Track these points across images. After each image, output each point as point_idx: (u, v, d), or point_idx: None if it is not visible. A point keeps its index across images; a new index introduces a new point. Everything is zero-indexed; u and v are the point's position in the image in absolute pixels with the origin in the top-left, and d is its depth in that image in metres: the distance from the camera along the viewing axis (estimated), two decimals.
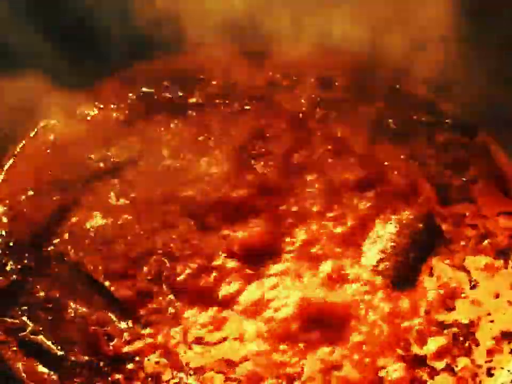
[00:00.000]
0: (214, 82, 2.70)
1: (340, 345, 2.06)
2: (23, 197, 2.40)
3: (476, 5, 2.40)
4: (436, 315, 2.12)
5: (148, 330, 2.10)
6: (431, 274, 2.20)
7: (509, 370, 2.02)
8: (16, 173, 2.48)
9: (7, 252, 2.27)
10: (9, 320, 2.13)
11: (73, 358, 2.05)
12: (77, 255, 2.25)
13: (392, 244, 2.23)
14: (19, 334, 2.10)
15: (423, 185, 2.40)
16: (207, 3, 2.65)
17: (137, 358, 2.05)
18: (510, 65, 2.44)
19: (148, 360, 2.05)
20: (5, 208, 2.37)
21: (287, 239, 2.27)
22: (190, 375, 2.02)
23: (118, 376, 2.02)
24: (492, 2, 2.45)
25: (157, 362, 2.05)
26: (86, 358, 2.05)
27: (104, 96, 2.64)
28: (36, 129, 2.59)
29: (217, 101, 2.64)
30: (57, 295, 2.18)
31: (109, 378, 2.02)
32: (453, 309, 2.14)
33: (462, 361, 2.04)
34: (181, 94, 2.67)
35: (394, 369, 2.02)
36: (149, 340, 2.08)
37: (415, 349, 2.06)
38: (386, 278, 2.17)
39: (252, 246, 2.24)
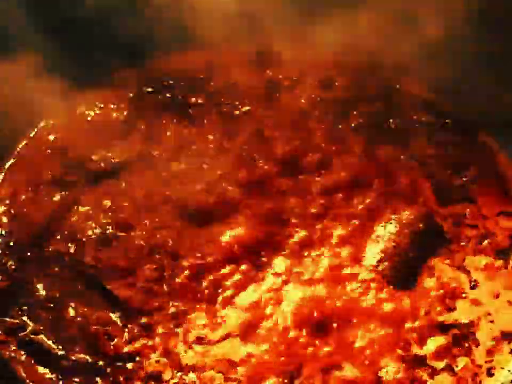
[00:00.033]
0: (214, 83, 2.70)
1: (339, 345, 2.06)
2: (23, 197, 2.40)
3: (477, 6, 2.40)
4: (436, 315, 2.12)
5: (148, 330, 2.10)
6: (431, 275, 2.20)
7: (509, 370, 2.02)
8: (16, 173, 2.48)
9: (7, 252, 2.28)
10: (9, 320, 2.13)
11: (73, 358, 2.06)
12: (77, 255, 2.25)
13: (392, 243, 2.23)
14: (19, 334, 2.11)
15: (423, 185, 2.40)
16: (208, 3, 2.65)
17: (137, 358, 2.05)
18: (510, 65, 2.44)
19: (148, 359, 2.05)
20: (5, 208, 2.37)
21: (287, 239, 2.27)
22: (190, 374, 2.02)
23: (118, 375, 2.02)
24: (492, 3, 2.45)
25: (157, 362, 2.05)
26: (87, 357, 2.05)
27: (104, 96, 2.64)
28: (36, 129, 2.59)
29: (217, 100, 2.64)
30: (57, 295, 2.18)
31: (110, 378, 2.02)
32: (453, 309, 2.14)
33: (462, 361, 2.05)
34: (181, 94, 2.66)
35: (394, 369, 2.02)
36: (149, 340, 2.08)
37: (415, 349, 2.06)
38: (386, 278, 2.18)
39: (252, 245, 2.25)
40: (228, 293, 2.16)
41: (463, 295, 2.17)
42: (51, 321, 2.13)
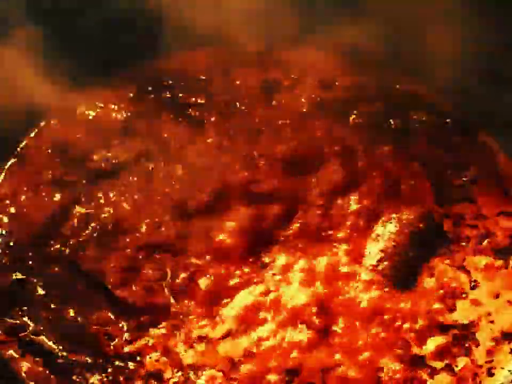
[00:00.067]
0: (214, 83, 2.70)
1: (339, 345, 2.06)
2: (23, 197, 2.40)
3: (477, 6, 2.40)
4: (435, 315, 2.12)
5: (148, 330, 2.10)
6: (431, 274, 2.20)
7: (509, 370, 2.02)
8: (16, 173, 2.48)
9: (7, 252, 2.28)
10: (9, 320, 2.13)
11: (73, 358, 2.06)
12: (77, 255, 2.25)
13: (393, 243, 2.23)
14: (19, 334, 2.11)
15: (423, 185, 2.40)
16: (208, 3, 2.65)
17: (137, 358, 2.05)
18: (510, 65, 2.44)
19: (149, 359, 2.05)
20: (5, 208, 2.37)
21: (287, 239, 2.27)
22: (191, 373, 2.02)
23: (118, 375, 2.02)
24: (493, 3, 2.45)
25: (157, 361, 2.05)
26: (87, 357, 2.05)
27: (104, 96, 2.64)
28: (36, 129, 2.59)
29: (217, 100, 2.64)
30: (57, 295, 2.18)
31: (110, 378, 2.02)
32: (453, 309, 2.14)
33: (462, 361, 2.05)
34: (181, 94, 2.66)
35: (394, 369, 2.02)
36: (149, 339, 2.08)
37: (415, 349, 2.06)
38: (386, 278, 2.18)
39: (252, 245, 2.25)
40: (228, 292, 2.16)
41: (463, 295, 2.17)
42: (51, 321, 2.13)
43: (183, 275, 2.20)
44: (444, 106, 2.62)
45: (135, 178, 2.42)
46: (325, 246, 2.25)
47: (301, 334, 2.07)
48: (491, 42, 2.42)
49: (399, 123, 2.57)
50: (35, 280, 2.21)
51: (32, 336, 2.11)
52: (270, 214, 2.32)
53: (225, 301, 2.15)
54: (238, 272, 2.21)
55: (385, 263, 2.20)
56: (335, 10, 2.62)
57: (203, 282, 2.19)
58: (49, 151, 2.53)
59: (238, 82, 2.69)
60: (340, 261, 2.22)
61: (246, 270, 2.21)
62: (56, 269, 2.23)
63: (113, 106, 2.63)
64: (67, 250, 2.27)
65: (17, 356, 2.07)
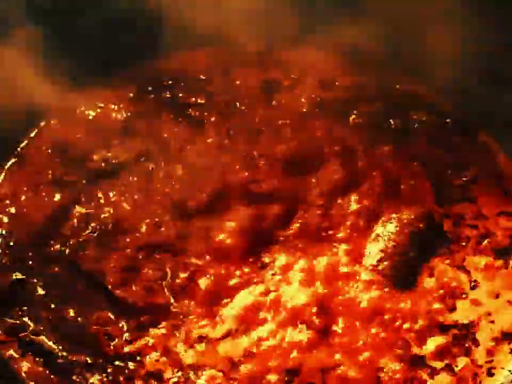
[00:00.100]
0: (214, 83, 2.70)
1: (339, 345, 2.06)
2: (23, 197, 2.40)
3: (477, 7, 2.40)
4: (435, 315, 2.12)
5: (148, 330, 2.10)
6: (431, 274, 2.20)
7: (509, 371, 2.02)
8: (16, 173, 2.48)
9: (7, 252, 2.28)
10: (9, 320, 2.13)
11: (73, 358, 2.06)
12: (77, 255, 2.25)
13: (393, 243, 2.23)
14: (19, 334, 2.10)
15: (423, 185, 2.40)
16: (208, 3, 2.65)
17: (137, 358, 2.05)
18: (510, 65, 2.44)
19: (149, 359, 2.05)
20: (5, 208, 2.37)
21: (287, 239, 2.28)
22: (191, 373, 2.02)
23: (118, 375, 2.02)
24: (493, 3, 2.45)
25: (157, 361, 2.05)
26: (87, 357, 2.05)
27: (104, 96, 2.64)
28: (36, 129, 2.59)
29: (217, 100, 2.64)
30: (57, 295, 2.18)
31: (110, 378, 2.02)
32: (453, 309, 2.14)
33: (462, 361, 2.05)
34: (181, 94, 2.66)
35: (394, 369, 2.02)
36: (150, 339, 2.08)
37: (415, 349, 2.06)
38: (386, 278, 2.18)
39: (252, 245, 2.25)
40: (228, 292, 2.16)
41: (463, 295, 2.17)
42: (51, 321, 2.13)
43: (183, 275, 2.20)
44: (444, 106, 2.62)
45: (135, 178, 2.42)
46: (325, 246, 2.25)
47: (301, 334, 2.07)
48: (491, 42, 2.43)
49: (399, 123, 2.58)
50: (35, 280, 2.21)
51: (32, 336, 2.10)
52: (270, 214, 2.32)
53: (225, 301, 2.15)
54: (238, 272, 2.21)
55: (385, 263, 2.20)
56: (335, 11, 2.62)
57: (203, 282, 2.19)
58: (49, 151, 2.53)
59: (238, 82, 2.69)
60: (340, 261, 2.22)
61: (246, 270, 2.21)
62: (56, 269, 2.23)
63: (113, 106, 2.63)
64: (67, 250, 2.26)
65: (17, 356, 2.07)
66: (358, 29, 2.58)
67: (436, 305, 2.14)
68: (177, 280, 2.19)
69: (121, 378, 2.02)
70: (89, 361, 2.05)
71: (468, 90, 2.49)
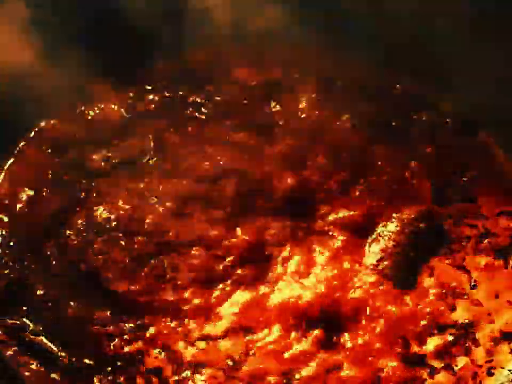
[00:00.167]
0: (214, 82, 2.70)
1: (339, 344, 2.06)
2: (23, 197, 2.40)
3: (477, 7, 2.40)
4: (435, 315, 2.12)
5: (148, 329, 2.10)
6: (431, 274, 2.20)
7: (509, 370, 2.02)
8: (16, 173, 2.48)
9: (7, 252, 2.27)
10: (9, 320, 2.13)
11: (73, 358, 2.06)
12: (77, 255, 2.25)
13: (393, 243, 2.23)
14: (19, 334, 2.10)
15: (423, 185, 2.40)
16: (208, 3, 2.65)
17: (138, 357, 2.05)
18: (511, 65, 2.44)
19: (149, 358, 2.05)
20: (5, 208, 2.37)
21: (287, 238, 2.28)
22: (191, 372, 2.02)
23: (119, 375, 2.02)
24: (494, 4, 2.45)
25: (158, 360, 2.05)
26: (87, 357, 2.05)
27: (105, 95, 2.64)
28: (36, 129, 2.59)
29: (217, 100, 2.64)
30: (57, 295, 2.18)
31: (110, 378, 2.02)
32: (453, 309, 2.14)
33: (462, 361, 2.05)
34: (181, 93, 2.66)
35: (394, 369, 2.02)
36: (150, 339, 2.08)
37: (415, 348, 2.06)
38: (386, 277, 2.18)
39: (253, 244, 2.25)
40: (229, 291, 2.17)
41: (463, 295, 2.17)
42: (51, 321, 2.13)
43: (183, 274, 2.20)
44: (444, 106, 2.62)
45: (135, 178, 2.42)
46: (325, 245, 2.25)
47: (301, 334, 2.07)
48: (491, 42, 2.43)
49: (399, 123, 2.58)
50: (35, 280, 2.21)
51: (32, 336, 2.10)
52: (270, 212, 2.32)
53: (226, 300, 2.15)
54: (240, 271, 2.21)
55: (386, 262, 2.20)
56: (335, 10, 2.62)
57: (205, 282, 2.19)
58: (49, 151, 2.53)
59: (238, 82, 2.69)
60: (340, 260, 2.22)
61: (248, 269, 2.21)
62: (56, 269, 2.23)
63: (113, 106, 2.63)
64: (67, 250, 2.26)
65: (17, 356, 2.07)
66: (358, 29, 2.59)
67: (436, 305, 2.14)
68: (178, 280, 2.19)
69: (122, 378, 2.02)
70: (89, 361, 2.05)
71: (467, 90, 2.49)
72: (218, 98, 2.65)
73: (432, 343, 2.07)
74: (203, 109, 2.62)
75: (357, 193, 2.37)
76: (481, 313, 2.14)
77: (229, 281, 2.19)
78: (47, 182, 2.44)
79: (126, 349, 2.07)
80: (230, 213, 2.32)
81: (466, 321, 2.12)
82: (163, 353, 2.06)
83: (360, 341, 2.06)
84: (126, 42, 2.64)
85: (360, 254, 2.23)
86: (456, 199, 2.39)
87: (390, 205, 2.33)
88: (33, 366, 2.05)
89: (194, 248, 2.26)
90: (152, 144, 2.51)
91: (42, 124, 2.60)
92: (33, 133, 2.58)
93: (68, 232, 2.30)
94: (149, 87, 2.69)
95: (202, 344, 2.08)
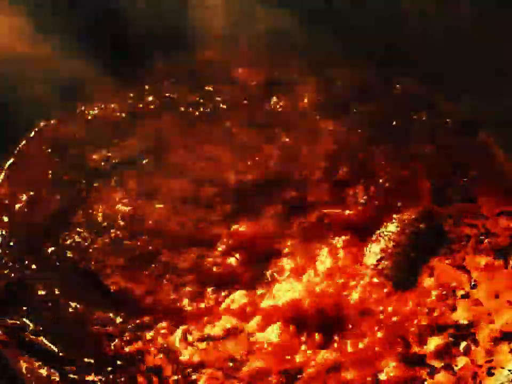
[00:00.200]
0: (214, 82, 2.70)
1: (339, 344, 2.06)
2: (23, 197, 2.40)
3: (477, 7, 2.40)
4: (436, 315, 2.12)
5: (148, 329, 2.10)
6: (431, 274, 2.20)
7: (509, 370, 2.02)
8: (16, 173, 2.48)
9: (7, 252, 2.27)
10: (9, 320, 2.13)
11: (73, 358, 2.05)
12: (77, 255, 2.25)
13: (393, 243, 2.23)
14: (19, 334, 2.10)
15: (423, 185, 2.40)
16: (208, 3, 2.65)
17: (138, 357, 2.05)
18: (511, 65, 2.44)
19: (149, 358, 2.05)
20: (5, 208, 2.37)
21: (287, 237, 2.28)
22: (191, 372, 2.02)
23: (119, 375, 2.02)
24: (494, 4, 2.45)
25: (158, 360, 2.05)
26: (87, 357, 2.05)
27: (104, 96, 2.64)
28: (36, 129, 2.59)
29: (217, 100, 2.64)
30: (57, 295, 2.18)
31: (110, 378, 2.02)
32: (453, 309, 2.14)
33: (462, 361, 2.05)
34: (181, 94, 2.66)
35: (394, 369, 2.02)
36: (150, 339, 2.08)
37: (415, 348, 2.06)
38: (386, 277, 2.18)
39: (253, 241, 2.26)
40: (230, 291, 2.16)
41: (463, 295, 2.17)
42: (51, 321, 2.13)
43: (183, 274, 2.20)
44: (444, 106, 2.62)
45: (135, 178, 2.42)
46: (326, 245, 2.25)
47: (301, 334, 2.07)
48: (491, 42, 2.43)
49: (399, 123, 2.58)
50: (35, 280, 2.21)
51: (32, 336, 2.10)
52: (271, 211, 2.32)
53: (227, 299, 2.15)
54: (239, 271, 2.21)
55: (386, 262, 2.20)
56: (334, 10, 2.62)
57: (205, 281, 2.19)
58: (49, 151, 2.53)
59: (238, 82, 2.69)
60: (341, 260, 2.22)
61: (248, 268, 2.21)
62: (56, 268, 2.23)
63: (113, 106, 2.63)
64: (67, 250, 2.26)
65: (17, 356, 2.07)
66: (358, 29, 2.59)
67: (436, 305, 2.14)
68: (178, 280, 2.19)
69: (122, 378, 2.02)
70: (89, 361, 2.05)
71: (468, 90, 2.49)
72: (218, 98, 2.65)
73: (432, 343, 2.07)
74: (203, 109, 2.62)
75: (357, 193, 2.37)
76: (481, 313, 2.14)
77: (229, 281, 2.19)
78: (47, 182, 2.44)
79: (126, 349, 2.07)
80: (230, 213, 2.33)
81: (466, 321, 2.12)
82: (163, 353, 2.06)
83: (360, 340, 2.06)
84: (126, 42, 2.64)
85: (360, 254, 2.23)
86: (456, 199, 2.39)
87: (390, 205, 2.33)
88: (33, 366, 2.05)
89: (194, 248, 2.26)
90: (152, 144, 2.51)
91: (42, 123, 2.60)
92: (33, 133, 2.58)
93: (67, 232, 2.30)
94: (149, 87, 2.69)
95: (202, 344, 2.07)
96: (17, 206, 2.38)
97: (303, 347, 2.05)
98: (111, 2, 2.61)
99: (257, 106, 2.62)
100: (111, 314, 2.14)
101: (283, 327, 2.09)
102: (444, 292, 2.17)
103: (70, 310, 2.15)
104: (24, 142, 2.56)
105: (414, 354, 2.05)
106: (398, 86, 2.69)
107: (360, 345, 2.05)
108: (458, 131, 2.57)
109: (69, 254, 2.26)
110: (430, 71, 2.57)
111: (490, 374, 2.03)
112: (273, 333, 2.08)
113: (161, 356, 2.06)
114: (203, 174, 2.42)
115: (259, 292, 2.17)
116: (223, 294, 2.16)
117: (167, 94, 2.67)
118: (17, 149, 2.54)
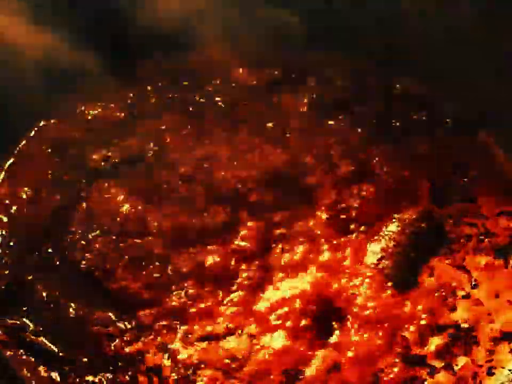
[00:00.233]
0: (214, 82, 2.70)
1: (339, 344, 2.06)
2: (23, 197, 2.40)
3: (478, 7, 2.40)
4: (436, 315, 2.12)
5: (149, 329, 2.10)
6: (431, 274, 2.20)
7: (510, 370, 2.02)
8: (16, 173, 2.48)
9: (7, 252, 2.27)
10: (9, 320, 2.13)
11: (73, 358, 2.05)
12: (77, 255, 2.25)
13: (393, 242, 2.23)
14: (19, 334, 2.10)
15: (424, 185, 2.40)
16: (208, 3, 2.65)
17: (138, 357, 2.05)
18: (511, 65, 2.44)
19: (149, 358, 2.05)
20: (5, 208, 2.37)
21: (288, 236, 2.28)
22: (191, 371, 2.02)
23: (119, 375, 2.02)
24: (494, 4, 2.45)
25: (158, 360, 2.05)
26: (87, 358, 2.05)
27: (104, 96, 2.64)
28: (36, 129, 2.59)
29: (217, 100, 2.64)
30: (57, 295, 2.18)
31: (110, 378, 2.02)
32: (454, 308, 2.14)
33: (462, 361, 2.05)
34: (181, 94, 2.67)
35: (394, 369, 2.02)
36: (150, 338, 2.08)
37: (415, 348, 2.06)
38: (386, 277, 2.18)
39: (253, 241, 2.25)
40: (231, 290, 2.16)
41: (463, 295, 2.17)
42: (51, 321, 2.13)
43: (184, 273, 2.20)
44: (444, 106, 2.62)
45: (135, 178, 2.42)
46: (326, 244, 2.25)
47: (302, 334, 2.07)
48: (491, 42, 2.43)
49: (399, 123, 2.58)
50: (35, 280, 2.20)
51: (32, 337, 2.10)
52: (272, 210, 2.33)
53: (227, 299, 2.15)
54: (239, 270, 2.21)
55: (386, 262, 2.20)
56: (334, 10, 2.62)
57: (205, 280, 2.19)
58: (49, 151, 2.53)
59: (238, 82, 2.69)
60: (341, 259, 2.22)
61: (248, 268, 2.21)
62: (56, 268, 2.23)
63: (113, 106, 2.63)
64: (67, 250, 2.26)
65: (17, 356, 2.07)
66: (358, 29, 2.59)
67: (436, 305, 2.14)
68: (179, 278, 2.19)
69: (122, 378, 2.02)
70: (89, 361, 2.05)
71: (468, 90, 2.49)
72: (218, 98, 2.65)
73: (432, 343, 2.07)
74: (203, 109, 2.62)
75: (357, 193, 2.37)
76: (481, 313, 2.14)
77: (228, 281, 2.19)
78: (47, 182, 2.44)
79: (126, 349, 2.07)
80: (230, 213, 2.33)
81: (466, 321, 2.12)
82: (163, 353, 2.06)
83: (360, 340, 2.06)
84: (126, 42, 2.64)
85: (360, 254, 2.23)
86: (456, 199, 2.39)
87: (390, 205, 2.33)
88: (33, 366, 2.05)
89: (194, 248, 2.25)
90: (152, 144, 2.51)
91: (42, 123, 2.60)
92: (33, 133, 2.58)
93: (67, 232, 2.30)
94: (149, 87, 2.69)
95: (202, 344, 2.08)
96: (17, 206, 2.38)
97: (303, 347, 2.05)
98: (111, 2, 2.61)
99: (257, 106, 2.62)
100: (111, 314, 2.14)
101: (283, 327, 2.09)
102: (444, 292, 2.17)
103: (70, 310, 2.15)
104: (24, 142, 2.56)
105: (414, 354, 2.05)
106: (398, 86, 2.69)
107: (361, 345, 2.05)
108: (458, 131, 2.57)
109: (69, 254, 2.26)
110: (430, 71, 2.58)
111: (490, 373, 2.03)
112: (273, 333, 2.08)
113: (161, 355, 2.06)
114: (203, 174, 2.42)
115: (259, 291, 2.17)
116: (223, 293, 2.16)
117: (167, 94, 2.67)
118: (17, 149, 2.54)
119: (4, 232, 2.32)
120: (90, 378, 2.02)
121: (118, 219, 2.32)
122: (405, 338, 2.07)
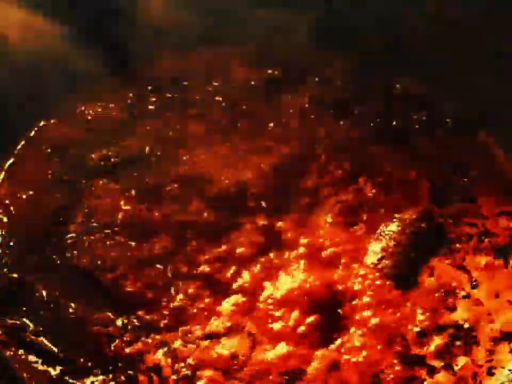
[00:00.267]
0: (214, 82, 2.70)
1: (339, 344, 2.06)
2: (23, 197, 2.40)
3: (477, 7, 2.40)
4: (436, 314, 2.12)
5: (149, 329, 2.10)
6: (431, 274, 2.20)
7: (510, 370, 2.02)
8: (16, 173, 2.48)
9: (7, 252, 2.27)
10: (9, 320, 2.13)
11: (73, 358, 2.05)
12: (77, 255, 2.25)
13: (394, 242, 2.23)
14: (19, 334, 2.10)
15: (423, 185, 2.40)
16: (207, 3, 2.66)
17: (138, 357, 2.05)
18: (511, 65, 2.44)
19: (149, 358, 2.05)
20: (5, 208, 2.37)
21: (288, 236, 2.28)
22: (192, 371, 2.02)
23: (119, 375, 2.02)
24: (494, 4, 2.46)
25: (158, 360, 2.05)
26: (87, 358, 2.05)
27: (105, 96, 2.64)
28: (35, 129, 2.59)
29: (217, 100, 2.64)
30: (57, 295, 2.17)
31: (110, 378, 2.02)
32: (453, 308, 2.14)
33: (462, 361, 2.04)
34: (181, 94, 2.67)
35: (394, 369, 2.02)
36: (151, 338, 2.08)
37: (415, 348, 2.06)
38: (386, 277, 2.18)
39: (251, 242, 2.25)
40: (230, 289, 2.16)
41: (463, 295, 2.17)
42: (51, 321, 2.13)
43: (184, 273, 2.20)
44: (444, 106, 2.62)
45: (135, 178, 2.42)
46: (325, 245, 2.25)
47: (302, 334, 2.07)
48: (491, 42, 2.43)
49: (399, 123, 2.58)
50: (35, 280, 2.20)
51: (32, 337, 2.10)
52: (271, 210, 2.32)
53: (228, 298, 2.15)
54: (241, 270, 2.21)
55: (386, 261, 2.20)
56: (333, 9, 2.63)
57: (206, 280, 2.19)
58: (49, 151, 2.53)
59: (238, 82, 2.70)
60: (341, 259, 2.22)
61: (250, 268, 2.21)
62: (56, 268, 2.23)
63: (113, 106, 2.63)
64: (67, 250, 2.26)
65: (17, 356, 2.07)
66: (358, 29, 2.59)
67: (436, 305, 2.14)
68: (179, 278, 2.19)
69: (122, 379, 2.02)
70: (89, 361, 2.05)
71: (468, 90, 2.49)
72: (218, 98, 2.65)
73: (432, 343, 2.07)
74: (203, 109, 2.62)
75: (357, 193, 2.37)
76: (481, 313, 2.14)
77: (228, 281, 2.19)
78: (47, 182, 2.44)
79: (127, 350, 2.07)
80: (230, 213, 2.33)
81: (467, 321, 2.11)
82: (163, 352, 2.06)
83: (360, 340, 2.06)
84: (126, 42, 2.64)
85: (360, 253, 2.23)
86: (456, 199, 2.38)
87: (390, 205, 2.33)
88: (33, 366, 2.05)
89: (194, 248, 2.25)
90: (152, 144, 2.51)
91: (42, 123, 2.60)
92: (33, 133, 2.58)
93: (67, 232, 2.30)
94: (149, 87, 2.69)
95: (202, 344, 2.07)
96: (17, 206, 2.38)
97: (303, 347, 2.05)
98: (111, 2, 2.61)
99: (257, 106, 2.62)
100: (111, 314, 2.14)
101: (283, 327, 2.08)
102: (444, 292, 2.17)
103: (70, 310, 2.15)
104: (24, 142, 2.56)
105: (413, 354, 2.05)
106: (398, 86, 2.69)
107: (360, 345, 2.05)
108: (458, 131, 2.57)
109: (69, 254, 2.26)
110: (430, 71, 2.58)
111: (490, 373, 2.02)
112: (273, 333, 2.08)
113: (161, 355, 2.05)
114: (203, 174, 2.42)
115: (259, 291, 2.16)
116: (223, 293, 2.16)
117: (167, 94, 2.67)
118: (17, 149, 2.54)
119: (3, 232, 2.32)
120: (90, 378, 2.02)
121: (118, 219, 2.32)
122: (404, 338, 2.07)
